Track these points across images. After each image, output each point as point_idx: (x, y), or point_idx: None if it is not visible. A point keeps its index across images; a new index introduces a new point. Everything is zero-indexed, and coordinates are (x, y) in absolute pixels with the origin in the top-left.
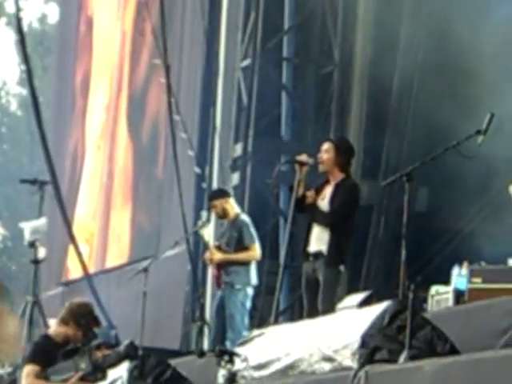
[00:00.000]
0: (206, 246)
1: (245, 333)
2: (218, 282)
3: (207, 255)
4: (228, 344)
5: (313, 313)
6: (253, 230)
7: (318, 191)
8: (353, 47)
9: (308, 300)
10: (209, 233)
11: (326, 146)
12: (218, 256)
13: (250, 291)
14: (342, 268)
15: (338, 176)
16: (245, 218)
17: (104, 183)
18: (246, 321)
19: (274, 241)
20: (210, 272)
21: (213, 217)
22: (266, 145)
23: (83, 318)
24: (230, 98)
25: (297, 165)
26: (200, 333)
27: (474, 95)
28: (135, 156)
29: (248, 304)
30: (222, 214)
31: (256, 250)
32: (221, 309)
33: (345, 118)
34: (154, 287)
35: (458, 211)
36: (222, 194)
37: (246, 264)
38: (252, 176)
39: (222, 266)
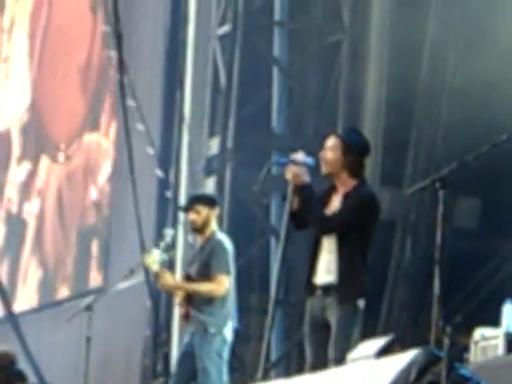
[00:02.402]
0: (155, 278)
1: None
2: (185, 316)
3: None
4: None
5: (318, 365)
6: (228, 257)
7: (322, 202)
8: (368, 8)
9: (313, 348)
10: (154, 258)
11: (331, 141)
12: (170, 281)
13: (229, 336)
14: (360, 304)
15: (347, 183)
16: (222, 238)
17: None
18: (225, 377)
19: (263, 267)
20: (177, 311)
21: (180, 236)
22: (251, 140)
23: (1, 372)
24: (203, 78)
25: (292, 166)
26: None
27: None
28: None
29: (226, 353)
30: (201, 227)
31: (221, 284)
32: (188, 359)
33: (357, 104)
34: (101, 331)
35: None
36: (212, 201)
37: (216, 299)
38: (233, 181)
39: (190, 300)
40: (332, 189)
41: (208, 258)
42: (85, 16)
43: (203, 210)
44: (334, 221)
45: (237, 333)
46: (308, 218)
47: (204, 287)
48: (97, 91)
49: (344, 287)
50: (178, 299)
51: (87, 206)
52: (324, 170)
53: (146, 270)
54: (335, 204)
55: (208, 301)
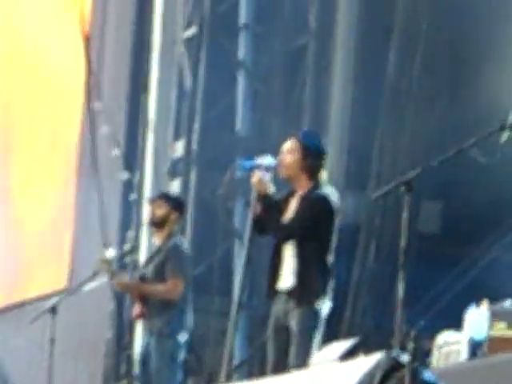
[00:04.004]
0: (111, 277)
1: None
2: (138, 315)
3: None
4: None
5: (280, 369)
6: (184, 260)
7: (282, 206)
8: (334, 11)
9: (275, 352)
10: (109, 258)
11: (289, 144)
12: (125, 280)
13: (183, 339)
14: (320, 306)
15: (305, 185)
16: (180, 241)
17: None
18: (179, 377)
19: (226, 271)
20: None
21: (143, 238)
22: (216, 142)
23: None
24: (169, 80)
25: (257, 170)
26: None
27: (497, 79)
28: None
29: (181, 355)
30: (159, 222)
31: (176, 287)
32: (146, 358)
33: (323, 107)
34: (64, 333)
35: (476, 233)
36: (177, 203)
37: (171, 301)
38: (197, 184)
39: (144, 301)
40: (291, 193)
41: (164, 260)
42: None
43: (165, 207)
44: (289, 229)
45: (199, 335)
46: (267, 225)
47: (158, 289)
48: None
49: (301, 291)
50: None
51: None
52: (283, 173)
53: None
54: (292, 208)
55: (162, 303)
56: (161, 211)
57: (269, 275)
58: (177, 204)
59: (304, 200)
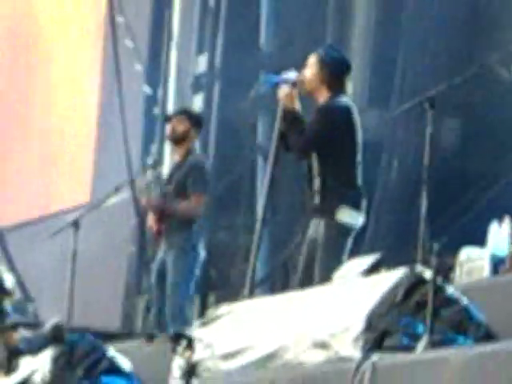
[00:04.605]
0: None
1: (189, 309)
2: (157, 233)
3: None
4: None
5: (306, 284)
6: (205, 176)
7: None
8: None
9: (303, 265)
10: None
11: (310, 59)
12: (154, 202)
13: (202, 252)
14: (344, 218)
15: (325, 96)
16: (200, 157)
17: None
18: (192, 294)
19: (250, 187)
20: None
21: (167, 153)
22: (239, 58)
23: None
24: None
25: (282, 85)
26: (148, 310)
27: None
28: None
29: (197, 270)
30: (178, 138)
31: (198, 203)
32: (163, 276)
33: (346, 23)
34: (86, 247)
35: (499, 150)
36: (195, 118)
37: (188, 220)
38: (220, 100)
39: (162, 218)
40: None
41: (185, 176)
42: None
43: (184, 122)
44: (299, 141)
45: (221, 251)
46: (289, 141)
47: (182, 207)
48: None
49: (324, 204)
50: (150, 219)
51: None
52: (304, 89)
53: (133, 186)
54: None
55: (183, 219)
56: (182, 127)
57: (307, 194)
58: (198, 121)
59: (319, 110)
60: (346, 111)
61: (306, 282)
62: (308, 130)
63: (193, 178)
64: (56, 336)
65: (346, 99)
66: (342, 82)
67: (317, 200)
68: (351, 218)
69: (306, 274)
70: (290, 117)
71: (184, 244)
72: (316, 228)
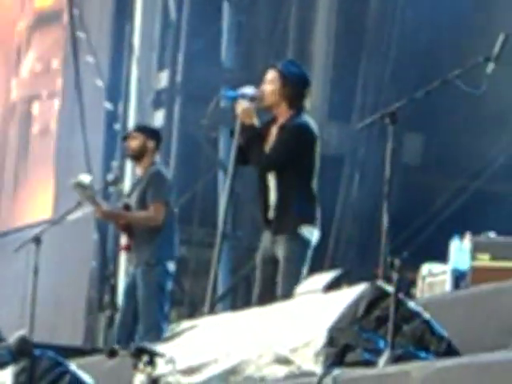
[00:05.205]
0: (92, 204)
1: (164, 324)
2: (126, 247)
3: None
4: (138, 338)
5: (265, 298)
6: (165, 186)
7: (263, 134)
8: None
9: (261, 282)
10: (82, 182)
11: (269, 74)
12: (105, 208)
13: (171, 267)
14: (305, 233)
15: (285, 114)
16: (160, 169)
17: None
18: (166, 308)
19: (210, 201)
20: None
21: (128, 169)
22: (200, 73)
23: None
24: (153, 10)
25: (241, 100)
26: (110, 324)
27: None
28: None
29: (168, 285)
30: (137, 154)
31: (158, 212)
32: (133, 291)
33: (306, 38)
34: (47, 262)
35: (460, 164)
36: (151, 132)
37: (156, 229)
38: (181, 115)
39: (131, 232)
40: (272, 121)
41: (146, 187)
42: None
43: (139, 137)
44: (268, 158)
45: (182, 266)
46: (249, 155)
47: (141, 215)
48: None
49: (283, 219)
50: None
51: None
52: (264, 102)
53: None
54: (273, 136)
55: (149, 232)
56: (136, 142)
57: (259, 206)
58: (151, 133)
59: (283, 128)
60: (310, 130)
61: (266, 297)
62: (275, 149)
63: (152, 188)
64: (22, 349)
65: (307, 116)
66: (302, 99)
67: (273, 215)
68: (309, 233)
69: (265, 289)
70: (248, 132)
71: (150, 258)
72: (272, 243)
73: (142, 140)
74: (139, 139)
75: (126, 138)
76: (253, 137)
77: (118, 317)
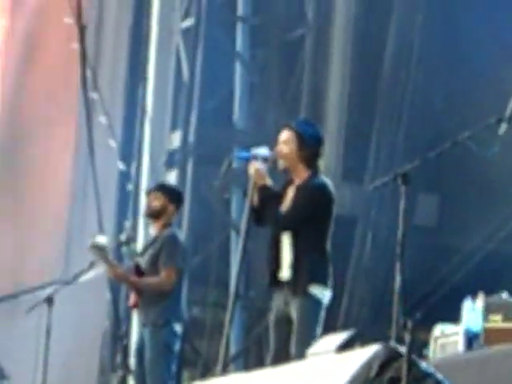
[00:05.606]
0: (106, 265)
1: None
2: (133, 305)
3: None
4: None
5: (280, 359)
6: (179, 250)
7: (281, 196)
8: (331, 3)
9: (275, 343)
10: (98, 243)
11: (284, 135)
12: (118, 270)
13: (178, 328)
14: (317, 293)
15: (303, 174)
16: (175, 232)
17: None
18: (174, 368)
19: (223, 262)
20: None
21: (141, 229)
22: (213, 134)
23: None
24: (166, 71)
25: (254, 161)
26: None
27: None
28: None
29: (176, 345)
30: (155, 214)
31: (169, 277)
32: (141, 350)
33: (320, 99)
34: (59, 323)
35: (473, 226)
36: (175, 194)
37: (161, 294)
38: (194, 175)
39: (139, 292)
40: (289, 182)
41: (159, 249)
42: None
43: (161, 199)
44: (286, 219)
45: (196, 327)
46: (264, 216)
47: (151, 282)
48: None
49: (298, 280)
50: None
51: None
52: (280, 164)
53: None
54: (289, 198)
55: (156, 293)
56: (157, 203)
57: (269, 266)
58: (174, 196)
59: (301, 189)
60: (328, 191)
61: (281, 357)
62: (293, 208)
63: (165, 252)
64: None
65: (324, 177)
66: (318, 158)
67: (287, 274)
68: (321, 293)
69: (280, 349)
70: (262, 192)
71: (157, 319)
72: (286, 303)
73: (163, 202)
74: (161, 200)
75: (147, 194)
76: (267, 197)
77: (131, 378)
